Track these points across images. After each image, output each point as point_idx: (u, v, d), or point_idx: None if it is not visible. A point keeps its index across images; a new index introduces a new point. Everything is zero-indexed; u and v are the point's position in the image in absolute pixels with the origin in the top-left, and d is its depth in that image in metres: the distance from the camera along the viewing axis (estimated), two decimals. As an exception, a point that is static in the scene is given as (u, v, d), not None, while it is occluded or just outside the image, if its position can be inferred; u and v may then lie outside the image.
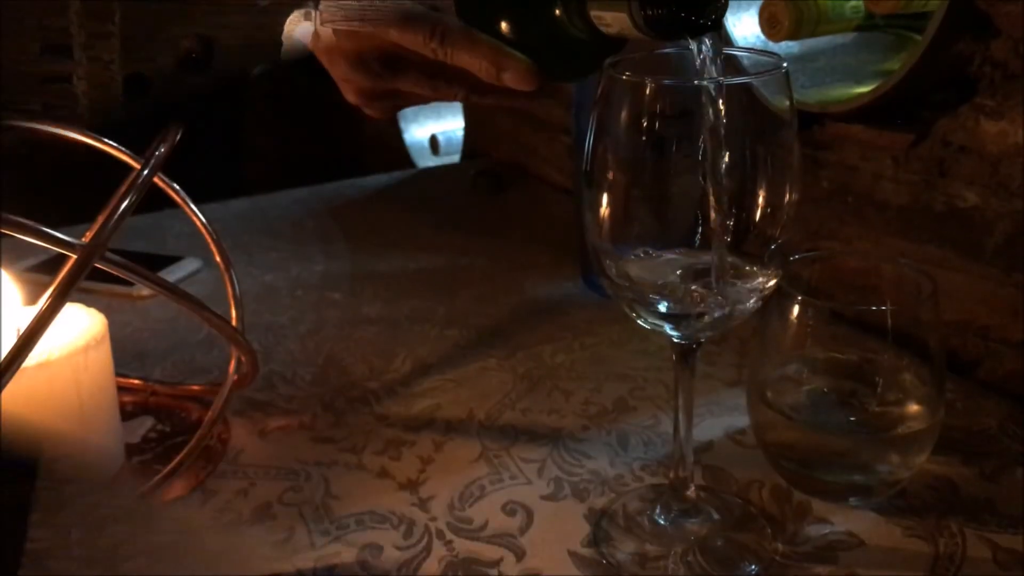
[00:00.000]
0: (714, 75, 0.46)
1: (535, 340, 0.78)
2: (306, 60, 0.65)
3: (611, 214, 0.47)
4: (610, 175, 0.47)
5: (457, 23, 0.55)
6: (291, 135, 1.91)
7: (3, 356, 0.49)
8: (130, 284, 0.57)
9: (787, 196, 0.47)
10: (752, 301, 0.48)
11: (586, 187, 0.48)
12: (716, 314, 0.47)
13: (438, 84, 0.58)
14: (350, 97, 0.60)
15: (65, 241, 0.50)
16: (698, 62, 0.46)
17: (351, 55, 0.58)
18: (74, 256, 0.51)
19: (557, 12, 0.53)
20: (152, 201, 0.63)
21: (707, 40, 0.46)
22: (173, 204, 0.64)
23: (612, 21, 0.49)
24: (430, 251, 0.97)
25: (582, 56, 0.55)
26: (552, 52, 0.55)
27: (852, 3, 0.79)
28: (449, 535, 0.55)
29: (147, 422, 0.67)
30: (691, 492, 0.56)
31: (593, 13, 0.50)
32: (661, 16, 0.46)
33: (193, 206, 0.64)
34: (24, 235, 0.49)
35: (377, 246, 0.99)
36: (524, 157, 1.25)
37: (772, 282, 0.48)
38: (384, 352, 0.77)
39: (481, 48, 0.54)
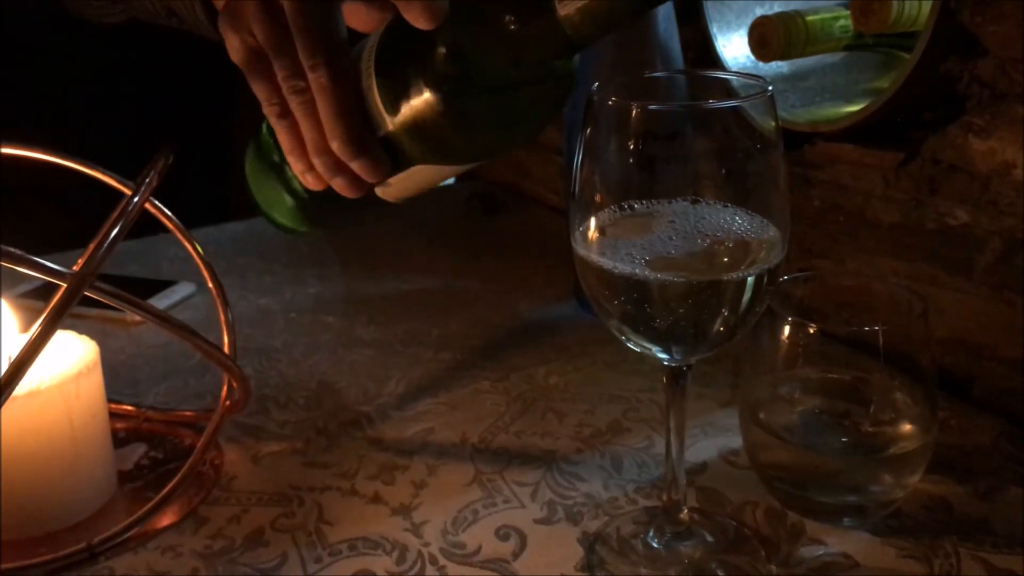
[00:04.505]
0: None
1: (529, 362, 0.78)
2: None
3: (599, 237, 0.48)
4: (598, 198, 0.47)
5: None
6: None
7: (-7, 385, 0.49)
8: (122, 310, 0.57)
9: (776, 216, 0.47)
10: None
11: (575, 210, 0.48)
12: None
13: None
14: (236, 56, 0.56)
15: (55, 270, 0.50)
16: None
17: None
18: (64, 285, 0.51)
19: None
20: (147, 225, 0.63)
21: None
22: (168, 228, 0.64)
23: None
24: (424, 273, 0.97)
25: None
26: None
27: (841, 23, 0.79)
28: (442, 560, 0.55)
29: (140, 448, 0.67)
30: (684, 515, 0.55)
31: None
32: None
33: (185, 231, 0.64)
34: (14, 264, 0.49)
35: (371, 269, 0.99)
36: (518, 178, 1.25)
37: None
38: (377, 375, 0.77)
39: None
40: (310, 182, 0.55)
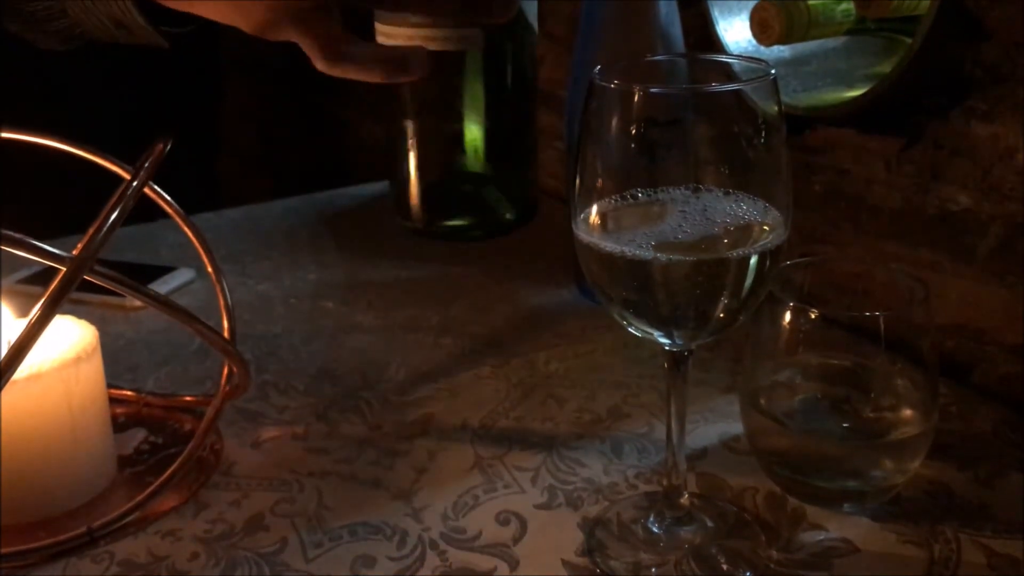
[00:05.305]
0: None
1: (529, 348, 0.78)
2: None
3: (601, 222, 0.47)
4: (600, 183, 0.47)
5: None
6: (276, 141, 1.89)
7: (-8, 370, 0.49)
8: (122, 295, 0.57)
9: (778, 200, 0.47)
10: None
11: (576, 195, 0.48)
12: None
13: None
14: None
15: (54, 254, 0.50)
16: None
17: None
18: (63, 269, 0.51)
19: None
20: (147, 211, 0.62)
21: None
22: (166, 214, 0.64)
23: None
24: (423, 260, 0.97)
25: None
26: None
27: (843, 7, 0.79)
28: (443, 545, 0.55)
29: (139, 434, 0.67)
30: (685, 499, 0.56)
31: None
32: None
33: (184, 215, 0.64)
34: (14, 248, 0.49)
35: (370, 255, 0.99)
36: (518, 164, 1.24)
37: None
38: (377, 361, 0.76)
39: None
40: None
